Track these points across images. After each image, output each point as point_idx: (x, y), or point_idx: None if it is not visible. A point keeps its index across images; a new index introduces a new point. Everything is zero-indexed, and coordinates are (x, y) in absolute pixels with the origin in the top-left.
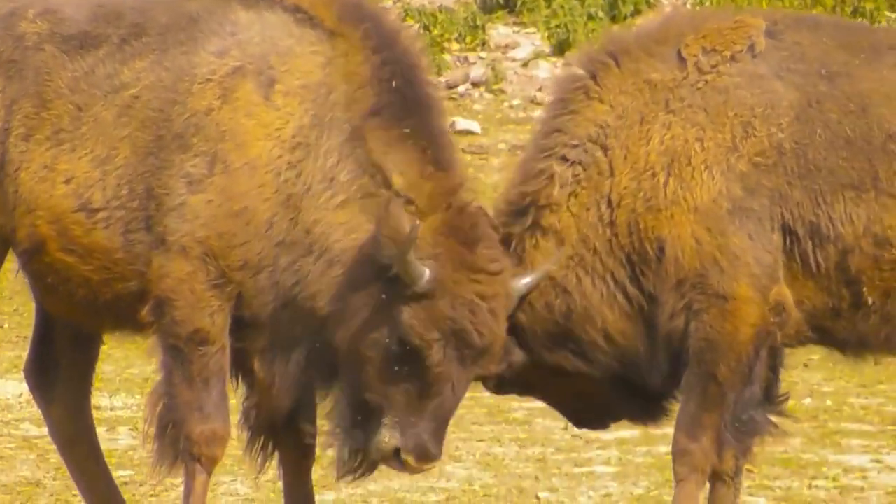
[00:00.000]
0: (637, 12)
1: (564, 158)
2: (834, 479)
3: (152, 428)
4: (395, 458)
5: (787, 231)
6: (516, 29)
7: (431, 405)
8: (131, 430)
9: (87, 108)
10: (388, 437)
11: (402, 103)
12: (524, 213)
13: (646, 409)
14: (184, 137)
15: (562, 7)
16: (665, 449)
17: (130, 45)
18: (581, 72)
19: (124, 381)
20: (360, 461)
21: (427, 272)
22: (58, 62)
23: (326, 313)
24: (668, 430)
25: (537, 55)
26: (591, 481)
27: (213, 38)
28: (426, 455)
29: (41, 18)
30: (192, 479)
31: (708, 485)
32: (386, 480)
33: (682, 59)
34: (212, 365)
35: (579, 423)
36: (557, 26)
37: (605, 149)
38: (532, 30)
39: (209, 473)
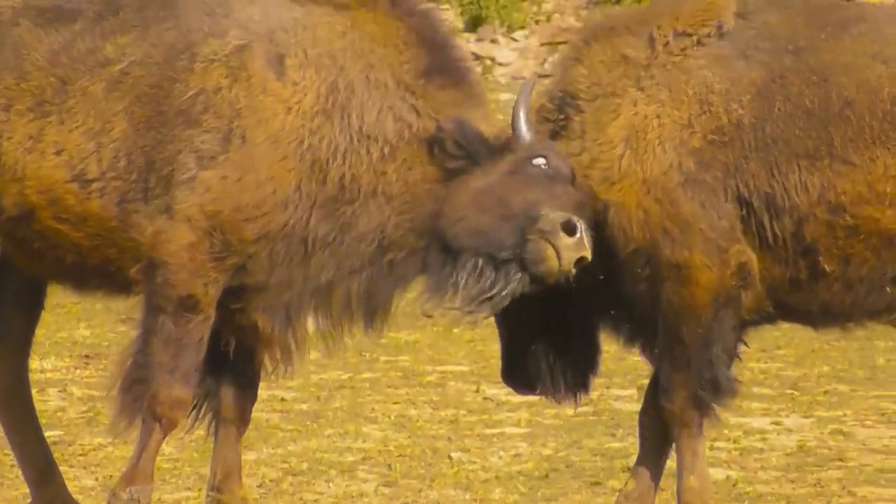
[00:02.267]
0: None
1: (551, 99)
2: (735, 441)
3: (116, 383)
4: (565, 229)
5: (743, 203)
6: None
7: (572, 201)
8: (60, 391)
9: (72, 82)
10: (551, 213)
11: (454, 66)
12: None
13: (575, 377)
14: (189, 114)
15: None
16: (571, 412)
17: (108, 21)
18: (581, 35)
19: (54, 344)
20: (495, 277)
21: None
22: (33, 36)
23: (398, 237)
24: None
25: (451, 31)
26: (502, 442)
27: (204, 17)
28: (585, 241)
29: None
30: (149, 437)
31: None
32: (304, 441)
33: (653, 39)
34: (193, 332)
35: (509, 375)
36: (470, 3)
37: (579, 111)
38: (446, 6)
39: (165, 436)
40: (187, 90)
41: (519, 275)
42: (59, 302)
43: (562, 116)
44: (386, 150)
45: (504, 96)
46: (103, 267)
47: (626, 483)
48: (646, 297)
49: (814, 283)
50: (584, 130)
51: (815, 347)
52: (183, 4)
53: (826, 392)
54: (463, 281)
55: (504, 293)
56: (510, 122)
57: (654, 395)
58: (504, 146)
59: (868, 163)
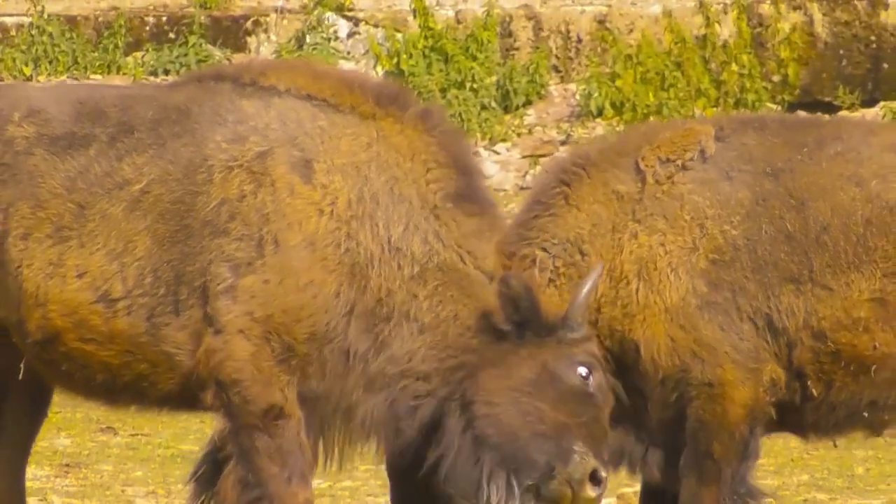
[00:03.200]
0: (528, 103)
1: (546, 249)
2: None
3: None
4: (591, 480)
5: (752, 322)
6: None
7: (601, 438)
8: (40, 500)
9: (91, 206)
10: (585, 457)
11: (482, 194)
12: None
13: None
14: (216, 224)
15: (456, 97)
16: None
17: (122, 142)
18: (559, 179)
19: (34, 453)
20: (531, 497)
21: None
22: (49, 164)
23: (423, 369)
24: None
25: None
26: None
27: (217, 127)
28: (605, 476)
29: (27, 121)
30: None
31: None
32: None
33: (640, 171)
34: (291, 437)
35: None
36: (452, 116)
37: (582, 254)
38: None
39: None
40: (210, 201)
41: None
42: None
43: (561, 264)
44: (416, 269)
45: None
46: (135, 383)
47: None
48: (671, 420)
49: (805, 403)
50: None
51: (795, 456)
52: (196, 118)
53: (805, 500)
54: (492, 497)
55: None
56: (570, 303)
57: None
58: (553, 327)
59: (844, 288)
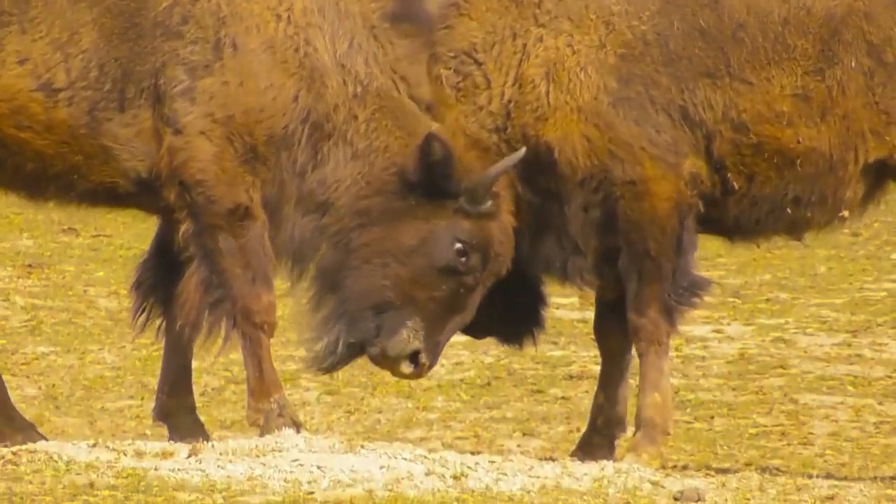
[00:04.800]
0: None
1: (447, 66)
2: (677, 349)
3: (193, 309)
4: (409, 360)
5: (667, 114)
6: None
7: (450, 319)
8: (3, 300)
9: None
10: (411, 338)
11: (420, 13)
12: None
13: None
14: (168, 26)
15: None
16: None
17: None
18: None
19: None
20: (346, 355)
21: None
22: None
23: (342, 203)
24: None
25: None
26: (444, 350)
27: None
28: (432, 365)
29: None
30: (259, 347)
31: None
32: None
33: None
34: (255, 238)
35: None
36: None
37: (477, 63)
38: None
39: (270, 338)
40: (161, 2)
41: (354, 357)
42: (1, 212)
43: (460, 78)
44: (358, 89)
45: None
46: (65, 175)
47: (595, 396)
48: (600, 221)
49: (726, 198)
50: (488, 80)
51: (757, 256)
52: None
53: (768, 300)
54: (321, 342)
55: (336, 365)
56: (482, 176)
57: (609, 311)
58: (457, 193)
59: (765, 83)
